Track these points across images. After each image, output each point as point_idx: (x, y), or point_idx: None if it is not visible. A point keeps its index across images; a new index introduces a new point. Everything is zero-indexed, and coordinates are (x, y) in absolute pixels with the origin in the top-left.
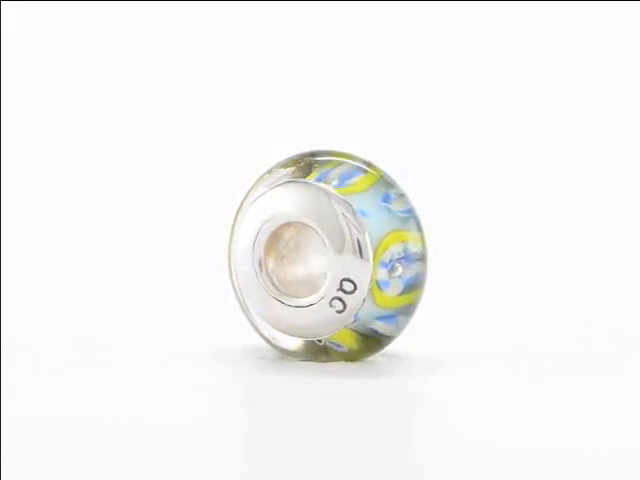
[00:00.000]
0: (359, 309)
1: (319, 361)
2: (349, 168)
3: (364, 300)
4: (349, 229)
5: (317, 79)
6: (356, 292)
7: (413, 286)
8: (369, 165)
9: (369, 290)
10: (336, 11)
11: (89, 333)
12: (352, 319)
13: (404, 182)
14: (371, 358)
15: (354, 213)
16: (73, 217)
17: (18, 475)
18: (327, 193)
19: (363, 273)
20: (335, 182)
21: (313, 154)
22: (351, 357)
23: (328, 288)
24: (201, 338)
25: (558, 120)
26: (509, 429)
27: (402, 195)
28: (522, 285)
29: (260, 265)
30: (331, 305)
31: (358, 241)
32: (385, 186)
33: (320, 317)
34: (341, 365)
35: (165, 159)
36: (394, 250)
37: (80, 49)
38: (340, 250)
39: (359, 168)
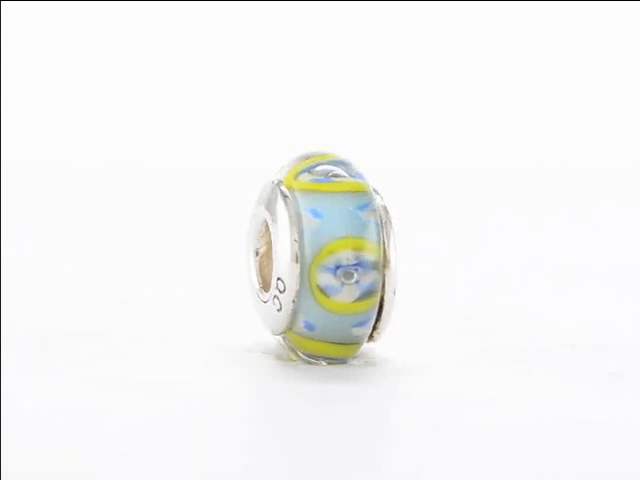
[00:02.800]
0: (293, 309)
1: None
2: (353, 169)
3: (293, 302)
4: (289, 228)
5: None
6: (285, 292)
7: (371, 292)
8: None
9: (309, 293)
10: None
11: (97, 329)
12: (301, 324)
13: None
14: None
15: (297, 213)
16: (84, 215)
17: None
18: (282, 193)
19: (290, 274)
20: (337, 171)
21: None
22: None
23: (272, 286)
24: (205, 336)
25: (532, 132)
26: (492, 428)
27: (375, 209)
28: (495, 290)
29: (255, 258)
30: (274, 303)
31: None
32: (370, 197)
33: (270, 314)
34: (321, 368)
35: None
36: (342, 256)
37: (90, 58)
38: (277, 249)
39: (359, 175)
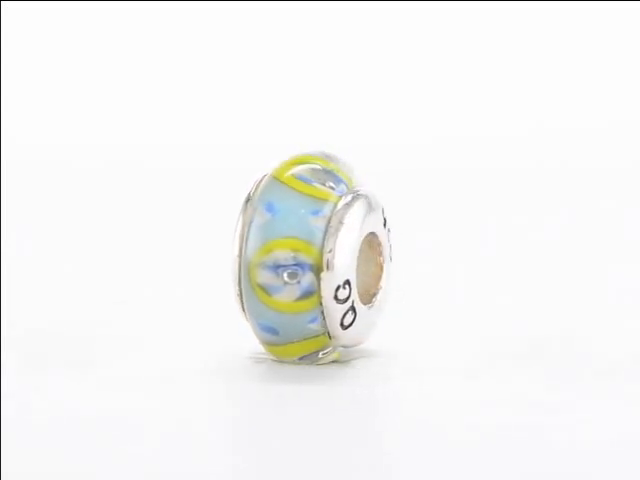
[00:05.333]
0: (241, 306)
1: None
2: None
3: (238, 295)
4: (241, 223)
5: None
6: (233, 286)
7: (310, 293)
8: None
9: (252, 291)
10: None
11: (87, 336)
12: (256, 326)
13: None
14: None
15: (254, 206)
16: (74, 220)
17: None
18: (247, 196)
19: (232, 268)
20: (326, 181)
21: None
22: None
23: None
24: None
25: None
26: (487, 429)
27: (326, 216)
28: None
29: None
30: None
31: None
32: (328, 207)
33: None
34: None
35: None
36: (280, 255)
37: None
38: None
39: (342, 191)
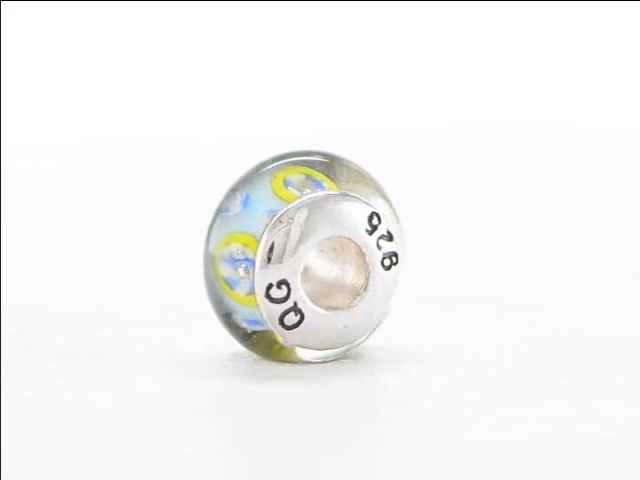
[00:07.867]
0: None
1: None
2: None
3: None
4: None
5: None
6: None
7: (254, 289)
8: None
9: (218, 283)
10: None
11: (78, 335)
12: (242, 323)
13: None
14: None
15: (234, 192)
16: (55, 219)
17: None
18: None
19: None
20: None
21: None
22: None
23: None
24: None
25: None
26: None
27: (275, 216)
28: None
29: None
30: None
31: None
32: (282, 207)
33: None
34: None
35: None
36: (233, 249)
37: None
38: None
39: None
